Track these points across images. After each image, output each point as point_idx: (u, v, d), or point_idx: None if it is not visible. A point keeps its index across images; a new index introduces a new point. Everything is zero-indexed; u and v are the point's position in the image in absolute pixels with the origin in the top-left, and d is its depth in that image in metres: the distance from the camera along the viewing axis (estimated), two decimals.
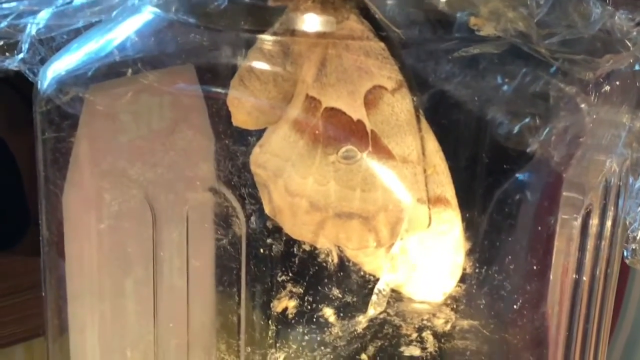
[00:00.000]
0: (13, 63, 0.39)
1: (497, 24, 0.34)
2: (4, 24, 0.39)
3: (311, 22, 0.35)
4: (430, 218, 0.35)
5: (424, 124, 0.35)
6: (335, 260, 0.35)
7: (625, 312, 0.65)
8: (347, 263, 0.35)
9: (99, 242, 0.40)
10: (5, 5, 0.39)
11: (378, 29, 0.35)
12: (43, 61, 0.40)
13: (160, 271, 0.37)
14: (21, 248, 0.82)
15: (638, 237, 0.43)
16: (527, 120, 0.38)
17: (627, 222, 0.43)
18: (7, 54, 0.39)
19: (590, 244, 0.39)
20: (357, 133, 0.35)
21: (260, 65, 0.35)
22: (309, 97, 0.35)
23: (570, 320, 0.39)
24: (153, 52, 0.38)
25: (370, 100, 0.35)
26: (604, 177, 0.40)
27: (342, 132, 0.35)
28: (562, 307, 0.38)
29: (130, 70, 0.38)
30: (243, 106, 0.36)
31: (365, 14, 0.35)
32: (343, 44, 0.34)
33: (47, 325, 0.41)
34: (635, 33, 0.36)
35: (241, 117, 0.36)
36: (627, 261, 0.44)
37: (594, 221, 0.39)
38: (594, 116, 0.39)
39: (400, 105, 0.35)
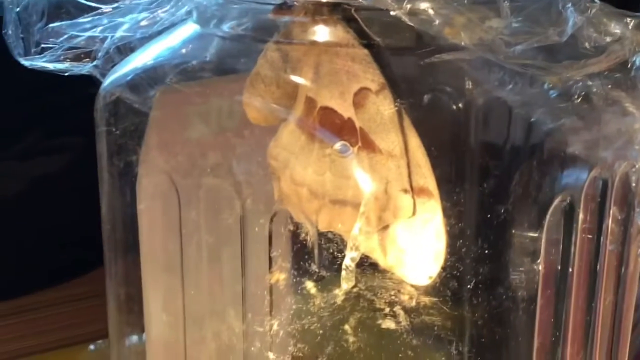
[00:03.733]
0: (86, 68, 0.46)
1: (472, 34, 0.37)
2: (85, 36, 0.46)
3: (306, 31, 0.40)
4: (414, 207, 0.39)
5: (407, 122, 0.39)
6: (313, 239, 0.40)
7: None
8: (320, 242, 0.40)
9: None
10: (83, 20, 0.46)
11: (363, 37, 0.39)
12: None
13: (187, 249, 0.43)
14: None
15: None
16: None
17: None
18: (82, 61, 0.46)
19: (581, 238, 0.42)
20: (348, 130, 0.39)
21: (263, 70, 0.40)
22: (307, 98, 0.40)
23: (556, 310, 0.42)
24: (192, 60, 0.44)
25: (358, 100, 0.39)
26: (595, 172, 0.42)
27: (335, 128, 0.40)
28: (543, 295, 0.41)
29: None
30: (253, 106, 0.42)
31: (352, 25, 0.39)
32: (333, 51, 0.39)
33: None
34: (609, 39, 0.39)
35: (253, 115, 0.42)
36: None
37: (582, 216, 0.41)
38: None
39: (383, 105, 0.39)
